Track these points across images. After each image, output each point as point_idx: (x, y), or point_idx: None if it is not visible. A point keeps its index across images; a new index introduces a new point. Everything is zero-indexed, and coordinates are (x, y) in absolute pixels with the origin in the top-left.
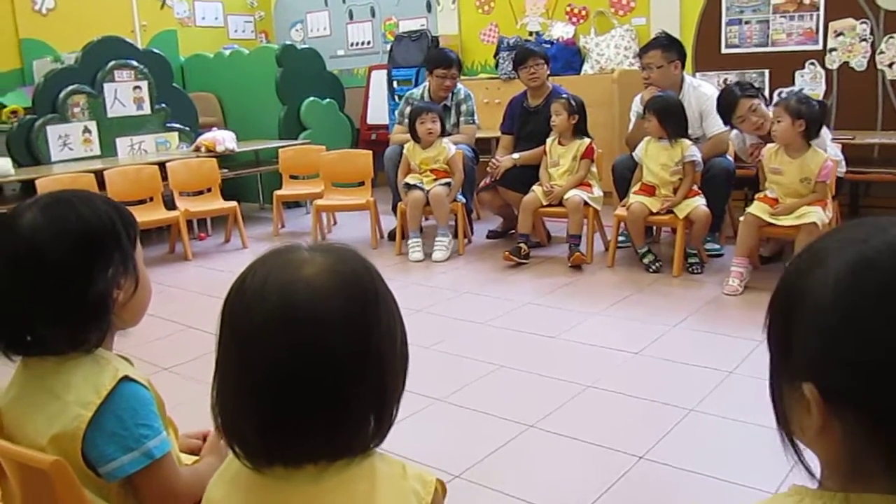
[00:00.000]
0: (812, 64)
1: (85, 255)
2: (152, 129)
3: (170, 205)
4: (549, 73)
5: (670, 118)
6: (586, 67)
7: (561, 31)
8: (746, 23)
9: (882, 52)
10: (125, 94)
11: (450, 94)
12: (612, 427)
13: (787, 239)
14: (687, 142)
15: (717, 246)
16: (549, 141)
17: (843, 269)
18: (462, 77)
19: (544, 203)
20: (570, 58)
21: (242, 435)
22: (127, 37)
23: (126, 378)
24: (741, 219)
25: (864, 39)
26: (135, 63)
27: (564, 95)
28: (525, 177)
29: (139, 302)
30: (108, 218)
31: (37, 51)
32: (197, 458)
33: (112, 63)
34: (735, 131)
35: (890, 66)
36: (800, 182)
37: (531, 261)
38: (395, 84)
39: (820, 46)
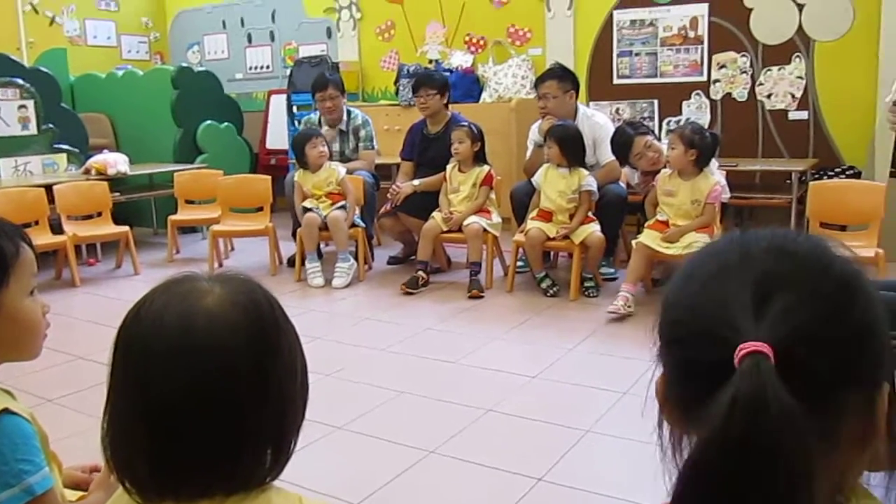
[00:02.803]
0: (698, 94)
1: None
2: (39, 149)
3: (57, 229)
4: (447, 101)
5: (570, 147)
6: (485, 96)
7: (460, 59)
8: (636, 55)
9: (761, 84)
10: (9, 113)
11: (345, 119)
12: (512, 450)
13: (677, 263)
14: (584, 171)
15: (611, 270)
16: (448, 167)
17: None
18: (362, 103)
19: (444, 229)
20: (469, 86)
21: (133, 469)
22: (12, 53)
23: (6, 411)
24: (633, 242)
25: (745, 72)
26: (20, 81)
27: (465, 123)
28: (425, 203)
29: (7, 340)
30: None
31: None
32: (83, 493)
33: None
34: (627, 168)
35: (768, 96)
36: (690, 203)
37: (431, 286)
38: (294, 109)
39: (705, 78)
